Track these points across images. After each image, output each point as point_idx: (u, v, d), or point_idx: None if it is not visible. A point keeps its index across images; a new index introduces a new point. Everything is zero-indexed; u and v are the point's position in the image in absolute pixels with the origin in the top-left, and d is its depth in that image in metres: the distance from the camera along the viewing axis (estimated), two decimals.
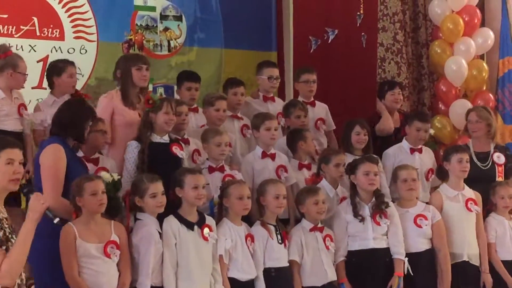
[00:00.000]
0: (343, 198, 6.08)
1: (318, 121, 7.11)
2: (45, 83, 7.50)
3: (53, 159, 4.91)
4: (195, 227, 5.20)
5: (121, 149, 5.79)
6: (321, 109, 7.25)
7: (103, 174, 5.15)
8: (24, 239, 3.83)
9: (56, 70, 6.35)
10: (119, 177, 5.23)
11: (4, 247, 3.76)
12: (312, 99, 7.23)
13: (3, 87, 6.00)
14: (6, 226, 3.88)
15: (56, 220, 4.09)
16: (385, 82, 7.92)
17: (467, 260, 6.16)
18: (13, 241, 3.85)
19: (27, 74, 6.16)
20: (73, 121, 5.15)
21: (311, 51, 9.02)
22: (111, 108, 6.03)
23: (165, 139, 5.70)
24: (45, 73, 6.38)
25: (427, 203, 6.21)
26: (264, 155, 6.18)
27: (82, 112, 5.23)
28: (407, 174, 6.05)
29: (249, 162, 6.18)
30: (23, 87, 6.26)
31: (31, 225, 3.86)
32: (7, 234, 3.85)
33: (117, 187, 5.12)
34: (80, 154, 5.48)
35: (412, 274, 5.80)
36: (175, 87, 7.29)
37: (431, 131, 7.15)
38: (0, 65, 6.07)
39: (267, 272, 5.48)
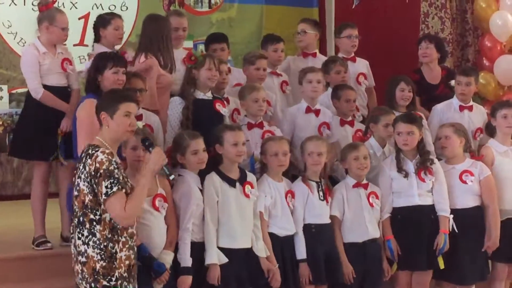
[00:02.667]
0: None
1: (360, 76, 7.07)
2: (86, 40, 7.56)
3: (88, 113, 4.89)
4: (237, 184, 5.21)
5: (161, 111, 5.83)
6: (362, 65, 7.21)
7: None
8: (143, 186, 4.28)
9: (102, 22, 6.30)
10: (143, 124, 5.34)
11: (124, 190, 4.18)
12: (353, 54, 7.18)
13: (44, 42, 5.96)
14: (122, 171, 4.29)
15: (172, 177, 4.49)
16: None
17: None
18: (129, 184, 4.29)
19: (67, 29, 6.06)
20: (91, 73, 5.19)
21: (353, 6, 8.93)
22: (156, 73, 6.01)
23: (208, 95, 5.69)
24: (93, 25, 6.32)
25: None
26: (308, 110, 6.16)
27: (97, 63, 5.22)
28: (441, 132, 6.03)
29: (292, 114, 6.18)
30: (64, 43, 6.20)
31: (151, 175, 4.38)
32: (125, 178, 4.27)
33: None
34: None
35: (456, 231, 5.76)
36: None
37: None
38: (38, 18, 6.04)
39: (307, 228, 5.48)
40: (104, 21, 6.27)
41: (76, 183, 4.26)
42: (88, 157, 4.20)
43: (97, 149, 4.21)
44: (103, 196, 4.14)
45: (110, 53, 5.42)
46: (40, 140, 5.82)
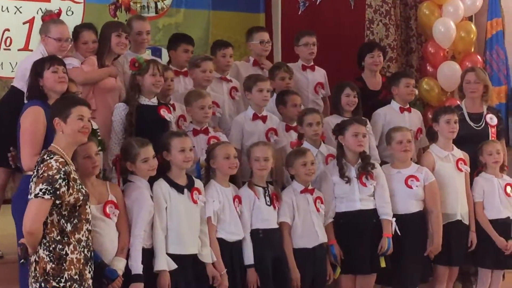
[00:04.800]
0: (328, 155, 6.08)
1: (317, 86, 7.15)
2: (31, 45, 7.46)
3: (31, 121, 4.84)
4: (185, 190, 5.22)
5: (101, 114, 5.80)
6: (320, 74, 7.28)
7: None
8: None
9: (73, 34, 6.10)
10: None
11: (52, 201, 4.21)
12: (312, 63, 7.24)
13: (48, 53, 5.67)
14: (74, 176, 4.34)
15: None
16: (365, 44, 7.87)
17: (460, 219, 6.22)
18: (83, 191, 4.39)
19: (64, 39, 5.74)
20: (32, 79, 5.04)
21: (299, 12, 8.99)
22: None
23: (153, 101, 5.68)
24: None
25: (416, 162, 6.25)
26: (256, 117, 6.18)
27: (36, 68, 5.05)
28: (402, 136, 6.05)
29: (239, 123, 6.19)
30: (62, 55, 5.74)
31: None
32: (78, 186, 4.35)
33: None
34: None
35: (399, 234, 5.83)
36: (163, 49, 7.25)
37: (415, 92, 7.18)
38: (39, 29, 5.88)
39: (255, 233, 5.50)
40: (74, 33, 6.12)
41: (29, 187, 4.28)
42: (42, 161, 4.27)
43: (52, 156, 4.28)
44: (32, 195, 4.20)
45: (45, 56, 5.33)
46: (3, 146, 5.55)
